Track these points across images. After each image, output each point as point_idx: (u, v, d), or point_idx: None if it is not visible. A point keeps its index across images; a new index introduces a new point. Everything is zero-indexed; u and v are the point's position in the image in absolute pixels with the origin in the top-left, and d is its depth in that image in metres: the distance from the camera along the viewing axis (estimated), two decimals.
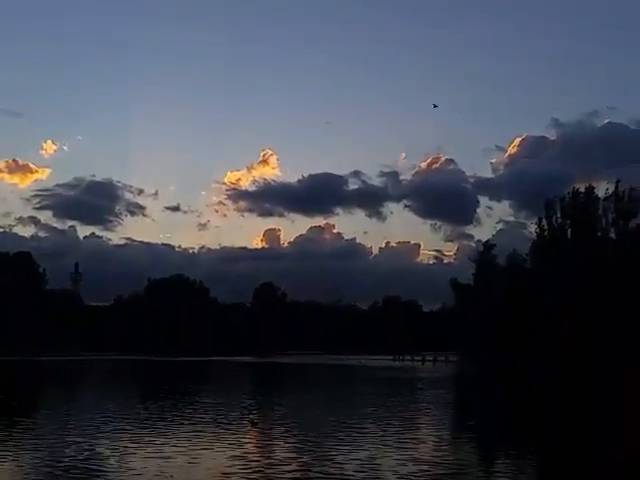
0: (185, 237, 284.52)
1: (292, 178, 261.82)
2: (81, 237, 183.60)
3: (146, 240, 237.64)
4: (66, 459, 14.26)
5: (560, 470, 14.92)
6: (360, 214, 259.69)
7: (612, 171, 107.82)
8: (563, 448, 18.00)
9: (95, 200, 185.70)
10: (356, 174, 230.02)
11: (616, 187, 68.85)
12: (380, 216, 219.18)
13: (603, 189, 70.39)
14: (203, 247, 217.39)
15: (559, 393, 40.42)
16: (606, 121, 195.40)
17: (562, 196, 72.58)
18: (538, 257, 73.99)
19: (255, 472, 12.88)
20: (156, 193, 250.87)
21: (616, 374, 47.36)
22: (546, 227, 72.98)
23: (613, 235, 68.55)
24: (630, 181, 71.20)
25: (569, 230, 71.70)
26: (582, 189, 72.20)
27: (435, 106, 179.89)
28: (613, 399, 34.94)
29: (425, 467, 13.72)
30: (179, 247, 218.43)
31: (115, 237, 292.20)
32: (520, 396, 38.46)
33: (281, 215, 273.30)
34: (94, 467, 13.42)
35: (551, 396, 38.10)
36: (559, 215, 72.23)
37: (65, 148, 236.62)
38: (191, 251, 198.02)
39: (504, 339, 68.02)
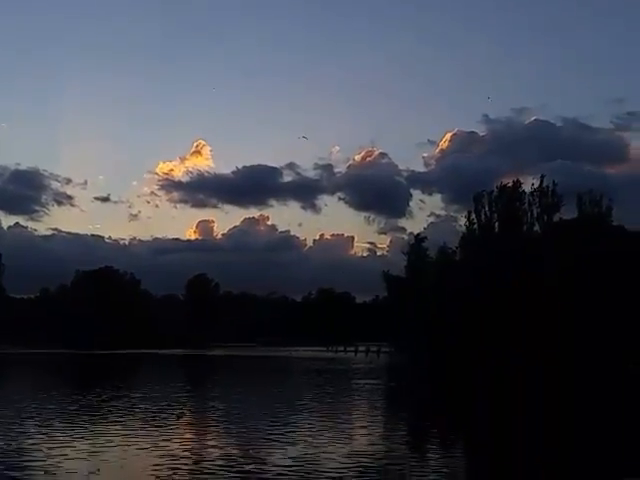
0: (116, 228, 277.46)
1: (226, 169, 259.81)
2: (5, 227, 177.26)
3: (74, 231, 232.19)
4: None
5: (485, 458, 15.39)
6: (295, 206, 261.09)
7: (539, 167, 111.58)
8: (485, 434, 18.58)
9: (20, 189, 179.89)
10: (291, 166, 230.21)
11: (541, 182, 71.29)
12: (315, 208, 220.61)
13: (529, 184, 72.70)
14: (134, 238, 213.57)
15: (483, 380, 41.64)
16: (533, 118, 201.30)
17: (490, 190, 74.59)
18: (467, 250, 75.86)
19: (184, 465, 12.77)
20: (85, 183, 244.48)
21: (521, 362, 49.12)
22: (475, 220, 74.86)
23: (538, 228, 70.93)
24: (555, 176, 73.96)
25: (496, 223, 73.76)
26: (509, 184, 74.43)
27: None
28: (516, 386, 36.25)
29: (359, 458, 13.91)
30: (109, 238, 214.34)
31: (41, 227, 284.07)
32: (449, 383, 39.45)
33: (215, 206, 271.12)
34: (22, 464, 13.04)
35: (477, 382, 39.23)
36: (487, 209, 74.23)
37: None
38: (122, 242, 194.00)
39: (434, 330, 69.46)
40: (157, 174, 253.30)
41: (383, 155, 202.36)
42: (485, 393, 33.39)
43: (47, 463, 12.89)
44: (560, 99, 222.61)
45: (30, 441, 15.47)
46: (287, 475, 12.04)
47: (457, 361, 56.55)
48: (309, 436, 16.63)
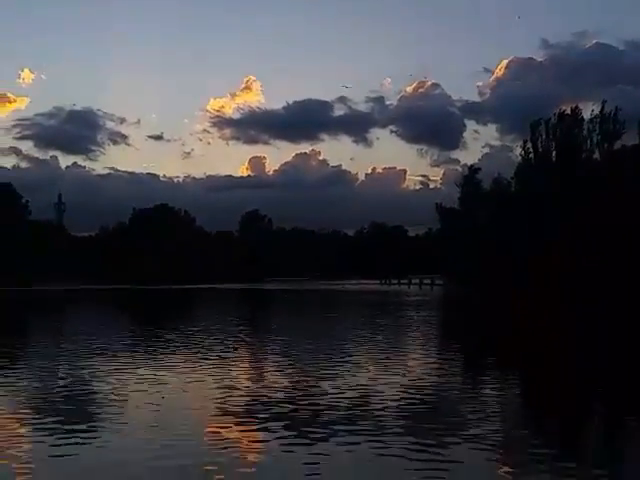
0: (169, 166, 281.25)
1: (277, 105, 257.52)
2: (63, 167, 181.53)
3: (130, 170, 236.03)
4: (60, 385, 14.36)
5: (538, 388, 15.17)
6: (346, 140, 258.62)
7: (599, 93, 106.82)
8: (541, 366, 18.32)
9: (76, 129, 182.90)
10: (342, 99, 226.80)
11: (602, 108, 68.21)
12: (366, 142, 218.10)
13: (589, 111, 69.76)
14: (188, 176, 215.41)
15: (541, 313, 41.10)
16: (594, 42, 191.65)
17: (548, 118, 71.94)
18: (522, 180, 73.95)
19: (244, 396, 12.95)
20: (138, 122, 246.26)
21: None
22: (531, 150, 72.64)
23: (598, 157, 68.36)
24: (617, 102, 70.60)
25: (554, 152, 71.40)
26: (568, 111, 71.56)
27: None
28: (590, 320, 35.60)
29: (413, 390, 13.88)
30: (164, 176, 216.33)
31: (98, 167, 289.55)
32: (506, 317, 39.12)
33: (266, 143, 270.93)
34: (88, 391, 13.54)
35: (534, 316, 38.77)
36: (544, 137, 71.80)
37: (43, 77, 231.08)
38: (176, 180, 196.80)
39: (489, 261, 68.65)
40: (209, 111, 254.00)
41: (436, 86, 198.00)
42: (544, 329, 32.97)
43: (114, 391, 13.26)
44: (623, 21, 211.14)
45: (97, 372, 15.95)
46: (341, 405, 12.07)
47: (514, 295, 55.88)
48: (363, 368, 16.65)
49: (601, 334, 27.09)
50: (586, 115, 69.42)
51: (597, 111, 68.20)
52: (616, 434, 10.98)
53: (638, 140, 66.08)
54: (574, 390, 14.53)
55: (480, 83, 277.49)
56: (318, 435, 9.89)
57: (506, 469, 8.66)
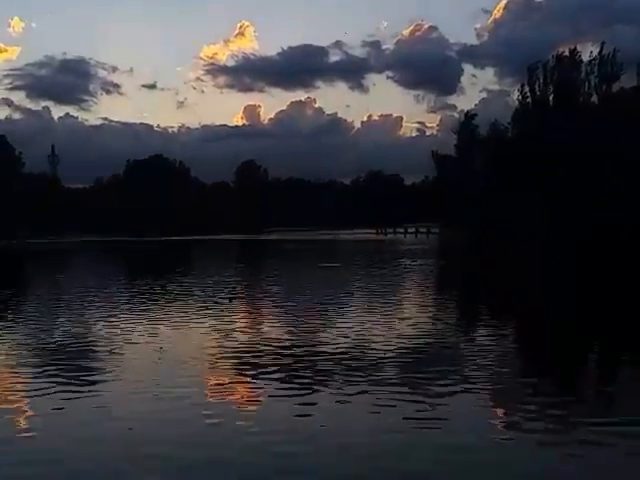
0: (164, 116, 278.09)
1: (272, 51, 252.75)
2: (56, 118, 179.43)
3: (124, 120, 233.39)
4: (57, 335, 14.46)
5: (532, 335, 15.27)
6: (342, 87, 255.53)
7: (599, 34, 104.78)
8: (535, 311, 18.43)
9: (68, 79, 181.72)
10: (337, 45, 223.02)
11: (600, 49, 67.38)
12: (362, 88, 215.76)
13: (588, 52, 68.75)
14: (183, 126, 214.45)
15: (540, 257, 41.27)
16: None
17: (545, 61, 70.90)
18: (520, 125, 73.33)
19: (241, 345, 13.01)
20: (131, 70, 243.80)
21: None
22: (528, 94, 71.83)
23: (596, 100, 67.67)
24: (616, 43, 69.49)
25: (551, 96, 70.63)
26: (566, 53, 70.51)
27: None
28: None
29: (406, 339, 13.94)
30: (158, 126, 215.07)
31: (91, 117, 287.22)
32: (500, 261, 39.27)
33: (261, 90, 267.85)
34: (85, 342, 13.63)
35: (534, 259, 38.93)
36: (542, 81, 70.92)
37: (34, 25, 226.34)
38: (170, 130, 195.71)
39: (487, 206, 68.57)
40: (202, 59, 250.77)
41: (433, 29, 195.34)
42: (535, 270, 33.12)
43: (112, 344, 13.30)
44: None
45: (94, 325, 15.99)
46: (335, 354, 12.13)
47: (508, 239, 56.02)
48: (358, 318, 16.70)
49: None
50: (585, 57, 68.50)
51: (596, 53, 67.31)
52: (611, 377, 11.08)
53: (637, 82, 65.42)
54: (566, 334, 14.62)
55: (478, 25, 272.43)
56: (313, 386, 9.93)
57: (501, 416, 8.74)
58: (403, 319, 16.25)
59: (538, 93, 71.15)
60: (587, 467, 6.95)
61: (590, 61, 67.44)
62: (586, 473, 6.86)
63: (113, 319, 16.75)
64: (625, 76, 66.42)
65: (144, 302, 20.38)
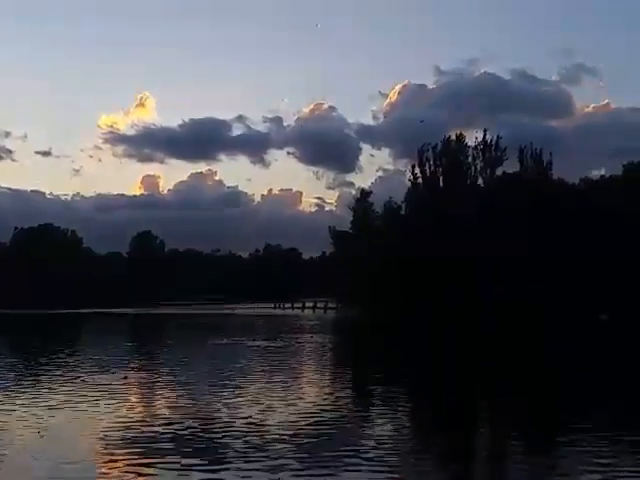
0: (58, 184, 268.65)
1: (173, 122, 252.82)
2: None
3: (14, 187, 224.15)
4: None
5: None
6: (244, 160, 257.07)
7: (486, 120, 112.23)
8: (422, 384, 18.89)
9: None
10: (240, 119, 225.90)
11: (484, 135, 71.80)
12: (264, 163, 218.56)
13: (473, 137, 73.09)
14: (77, 194, 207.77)
15: (427, 332, 42.44)
16: (482, 71, 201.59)
17: (435, 144, 74.77)
18: (411, 204, 76.36)
19: (132, 428, 12.51)
20: (25, 136, 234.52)
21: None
22: (419, 175, 75.17)
23: (481, 183, 71.77)
24: (502, 130, 74.58)
25: (441, 177, 74.27)
26: (453, 137, 74.78)
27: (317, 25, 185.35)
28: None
29: (308, 417, 13.91)
30: (50, 194, 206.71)
31: None
32: (395, 337, 40.07)
33: (162, 161, 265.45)
34: None
35: (421, 336, 39.96)
36: (432, 162, 74.57)
37: None
38: (64, 198, 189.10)
39: (378, 286, 70.05)
40: (100, 127, 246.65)
41: (332, 108, 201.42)
42: (438, 344, 34.00)
43: None
44: (510, 50, 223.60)
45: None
46: (237, 434, 11.92)
47: (403, 314, 57.39)
48: (257, 396, 16.51)
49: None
50: (471, 142, 72.84)
51: (480, 138, 71.76)
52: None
53: (519, 167, 70.14)
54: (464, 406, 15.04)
55: (374, 107, 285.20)
56: (211, 466, 9.69)
57: None
58: (300, 396, 16.19)
59: (428, 174, 74.67)
60: None
61: (475, 146, 71.87)
62: None
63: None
64: (509, 161, 71.15)
65: (31, 381, 19.27)
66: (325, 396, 16.36)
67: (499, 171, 70.90)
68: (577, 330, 41.69)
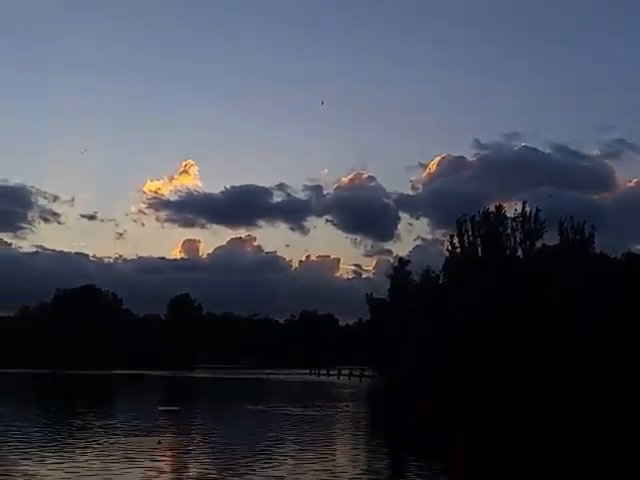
0: (101, 246, 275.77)
1: (215, 189, 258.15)
2: None
3: (59, 249, 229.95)
4: None
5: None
6: (283, 227, 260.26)
7: (526, 193, 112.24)
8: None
9: (7, 205, 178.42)
10: (280, 187, 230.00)
11: (523, 208, 71.75)
12: (303, 229, 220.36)
13: (513, 209, 73.12)
14: (120, 257, 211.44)
15: (468, 404, 41.66)
16: (522, 144, 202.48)
17: (472, 215, 75.01)
18: (450, 273, 76.11)
19: None
20: (72, 200, 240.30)
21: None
22: (458, 245, 75.19)
23: (521, 254, 71.38)
24: (541, 203, 74.48)
25: (479, 248, 74.16)
26: (492, 209, 74.99)
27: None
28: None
29: None
30: (94, 256, 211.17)
31: (26, 245, 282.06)
32: (432, 411, 39.44)
33: (203, 226, 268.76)
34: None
35: (461, 408, 39.25)
36: (470, 233, 74.63)
37: None
38: (106, 261, 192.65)
39: (417, 355, 69.28)
40: (145, 192, 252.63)
41: (372, 178, 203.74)
42: (473, 421, 33.42)
43: None
44: (551, 125, 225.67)
45: (14, 467, 15.28)
46: None
47: (442, 387, 56.47)
48: (289, 466, 16.54)
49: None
50: (510, 214, 72.89)
51: (519, 210, 71.78)
52: None
53: (559, 240, 69.73)
54: None
55: (413, 178, 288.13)
56: None
57: None
58: (333, 468, 16.17)
59: (467, 244, 74.67)
60: None
61: (514, 218, 71.87)
62: None
63: (37, 462, 16.04)
64: (549, 234, 70.80)
65: (72, 442, 19.60)
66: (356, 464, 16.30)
67: (539, 244, 70.56)
68: None
